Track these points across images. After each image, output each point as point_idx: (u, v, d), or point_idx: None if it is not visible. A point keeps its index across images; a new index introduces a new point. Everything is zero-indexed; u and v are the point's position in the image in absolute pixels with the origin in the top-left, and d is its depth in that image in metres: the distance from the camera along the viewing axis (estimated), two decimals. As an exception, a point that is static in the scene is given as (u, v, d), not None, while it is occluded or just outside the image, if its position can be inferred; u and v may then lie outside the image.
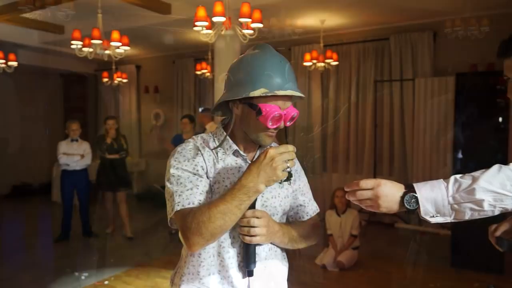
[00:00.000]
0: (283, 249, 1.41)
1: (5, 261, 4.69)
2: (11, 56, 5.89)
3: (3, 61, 5.91)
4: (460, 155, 4.38)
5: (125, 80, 7.75)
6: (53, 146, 5.86)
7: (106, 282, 4.05)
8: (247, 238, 1.22)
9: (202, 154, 1.27)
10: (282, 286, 1.41)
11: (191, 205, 1.17)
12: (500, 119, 4.24)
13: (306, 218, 1.43)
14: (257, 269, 1.28)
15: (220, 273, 1.27)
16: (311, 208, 1.45)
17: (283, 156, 1.13)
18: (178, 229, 1.22)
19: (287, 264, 1.44)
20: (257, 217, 1.21)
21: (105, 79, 7.44)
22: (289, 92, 1.21)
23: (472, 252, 4.25)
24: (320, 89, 6.81)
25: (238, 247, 1.28)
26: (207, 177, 1.26)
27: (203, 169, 1.25)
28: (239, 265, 1.27)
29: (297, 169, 1.43)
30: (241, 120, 1.29)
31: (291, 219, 1.44)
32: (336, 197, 4.56)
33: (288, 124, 1.27)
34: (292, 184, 1.39)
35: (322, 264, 4.39)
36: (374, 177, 6.11)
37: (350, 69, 6.61)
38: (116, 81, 7.53)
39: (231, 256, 1.27)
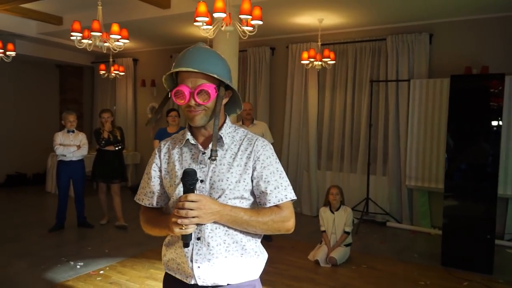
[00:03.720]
0: (245, 234, 1.45)
1: (0, 249, 4.71)
2: (10, 46, 5.87)
3: (1, 50, 5.90)
4: (453, 157, 4.45)
5: (122, 73, 7.75)
6: (48, 137, 5.86)
7: (101, 272, 4.09)
8: (183, 220, 1.32)
9: (161, 152, 1.54)
10: (235, 267, 1.44)
11: (139, 202, 1.61)
12: (493, 122, 4.31)
13: (268, 205, 1.44)
14: (199, 246, 1.41)
15: (177, 243, 1.49)
16: (275, 196, 1.44)
17: (180, 211, 1.30)
18: None
19: (246, 248, 1.46)
20: (193, 201, 1.31)
21: (102, 72, 7.42)
22: (183, 69, 1.37)
23: (462, 252, 4.35)
24: (317, 87, 6.85)
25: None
26: (161, 173, 1.53)
27: (158, 166, 1.54)
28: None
29: (259, 156, 1.45)
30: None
31: (259, 205, 1.49)
32: (330, 195, 4.62)
33: (199, 101, 1.38)
34: (253, 171, 1.45)
35: (315, 260, 4.46)
36: (368, 176, 6.21)
37: (346, 68, 6.66)
38: (113, 74, 7.53)
39: None
